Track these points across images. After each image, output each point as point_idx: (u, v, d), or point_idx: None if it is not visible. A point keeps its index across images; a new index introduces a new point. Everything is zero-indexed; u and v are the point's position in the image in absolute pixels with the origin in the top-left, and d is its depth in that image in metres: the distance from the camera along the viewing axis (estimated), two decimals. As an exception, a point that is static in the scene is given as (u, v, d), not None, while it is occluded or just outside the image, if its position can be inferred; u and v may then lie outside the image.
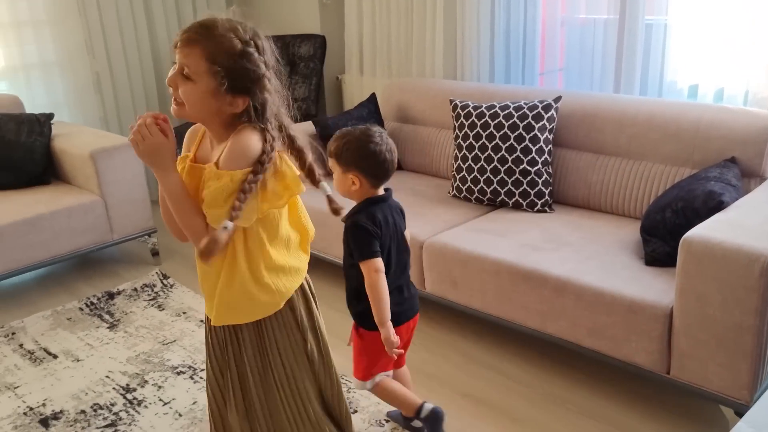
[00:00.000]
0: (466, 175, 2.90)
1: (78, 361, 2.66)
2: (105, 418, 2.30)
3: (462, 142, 2.93)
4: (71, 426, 2.27)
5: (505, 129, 2.79)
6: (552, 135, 2.80)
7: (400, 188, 3.18)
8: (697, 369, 1.98)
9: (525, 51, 3.44)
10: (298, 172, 1.48)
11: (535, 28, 3.37)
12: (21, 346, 2.80)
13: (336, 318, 2.85)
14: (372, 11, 3.91)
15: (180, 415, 2.29)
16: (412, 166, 3.48)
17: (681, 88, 2.96)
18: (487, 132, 2.83)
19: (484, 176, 2.83)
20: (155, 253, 3.59)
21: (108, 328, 2.91)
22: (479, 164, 2.85)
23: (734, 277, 1.82)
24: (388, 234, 1.86)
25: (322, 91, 4.30)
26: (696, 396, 2.10)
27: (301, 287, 1.60)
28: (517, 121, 2.77)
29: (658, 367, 2.06)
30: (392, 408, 2.17)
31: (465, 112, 2.95)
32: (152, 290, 3.24)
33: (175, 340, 2.77)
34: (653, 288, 2.08)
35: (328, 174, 1.77)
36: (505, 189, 2.79)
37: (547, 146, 2.78)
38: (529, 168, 2.75)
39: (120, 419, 2.29)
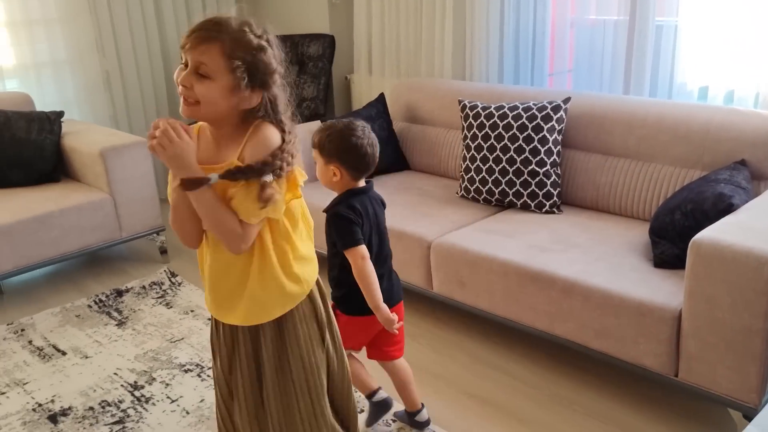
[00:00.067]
0: (474, 175, 2.90)
1: (86, 358, 2.68)
2: (113, 415, 2.31)
3: (470, 143, 2.93)
4: (79, 422, 2.28)
5: (514, 130, 2.78)
6: (561, 136, 2.80)
7: (408, 188, 3.18)
8: (705, 372, 1.97)
9: (534, 52, 3.43)
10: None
11: (545, 29, 3.36)
12: (30, 342, 2.82)
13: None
14: (381, 11, 3.91)
15: (187, 412, 2.30)
16: (420, 167, 3.48)
17: (691, 89, 2.95)
18: (495, 132, 2.83)
19: (493, 177, 2.83)
20: (163, 251, 3.61)
21: (116, 325, 2.92)
22: (487, 165, 2.84)
23: (744, 280, 1.81)
24: (368, 224, 1.91)
25: (330, 91, 4.30)
26: (704, 399, 2.09)
27: (317, 280, 1.62)
28: (526, 122, 2.77)
29: (666, 370, 2.06)
30: (398, 408, 2.18)
31: (474, 112, 2.95)
32: (160, 288, 3.25)
33: (182, 338, 2.78)
34: (662, 290, 2.08)
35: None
36: (514, 190, 2.79)
37: (555, 147, 2.77)
38: (537, 169, 2.75)
39: (128, 416, 2.30)
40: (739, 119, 2.45)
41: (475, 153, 2.90)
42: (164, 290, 3.23)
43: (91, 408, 2.35)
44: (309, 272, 1.56)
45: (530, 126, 2.76)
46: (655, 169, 2.63)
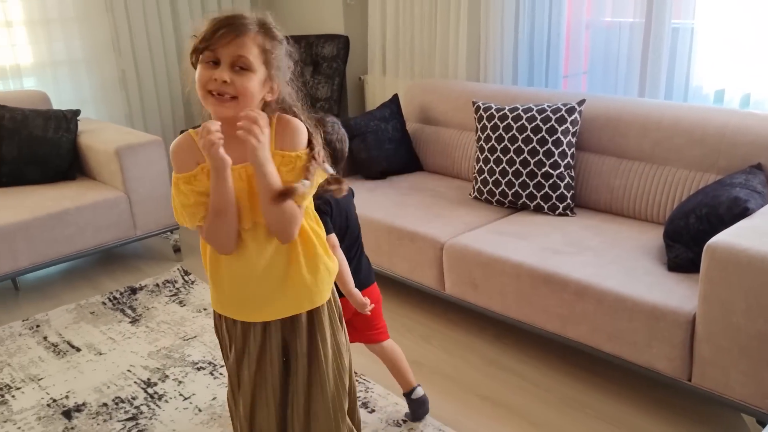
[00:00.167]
0: (487, 177, 2.90)
1: (100, 354, 2.70)
2: (126, 412, 2.33)
3: (484, 144, 2.93)
4: (93, 418, 2.30)
5: (528, 131, 2.78)
6: (575, 138, 2.79)
7: (421, 189, 3.18)
8: (719, 377, 1.96)
9: (549, 53, 3.42)
10: None
11: (560, 31, 3.35)
12: (45, 338, 2.85)
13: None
14: (396, 12, 3.92)
15: (200, 410, 2.32)
16: (434, 168, 3.48)
17: (707, 92, 2.93)
18: (509, 134, 2.83)
19: (506, 179, 2.83)
20: (177, 250, 3.63)
21: (130, 322, 2.95)
22: (501, 166, 2.84)
23: (759, 285, 1.80)
24: (338, 212, 1.95)
25: (344, 92, 4.31)
26: (717, 404, 2.08)
27: None
28: (540, 124, 2.76)
29: (679, 374, 2.05)
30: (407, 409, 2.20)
31: (488, 114, 2.94)
32: (174, 286, 3.28)
33: (195, 336, 2.79)
34: (676, 294, 2.07)
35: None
36: (527, 192, 2.78)
37: (569, 149, 2.76)
38: (551, 171, 2.74)
39: (141, 413, 2.32)
40: (755, 123, 2.44)
41: (488, 154, 2.90)
42: (177, 288, 3.25)
43: (105, 404, 2.37)
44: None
45: (544, 128, 2.75)
46: (669, 173, 2.62)
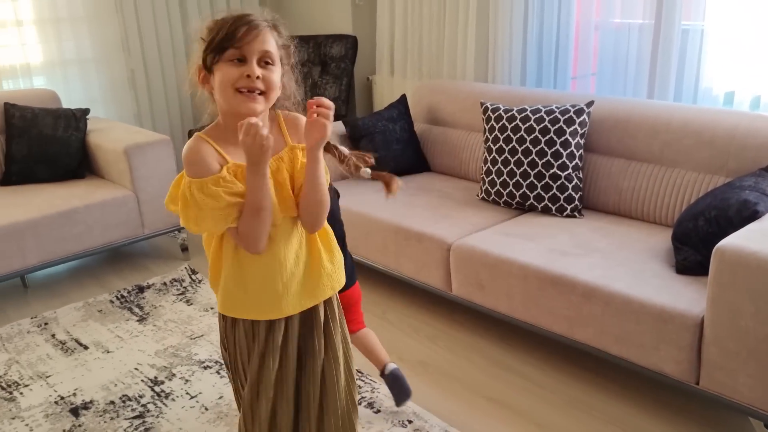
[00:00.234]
0: (495, 178, 2.89)
1: (108, 352, 2.71)
2: (133, 410, 2.34)
3: (492, 145, 2.92)
4: (101, 416, 2.31)
5: (536, 133, 2.77)
6: (583, 140, 2.78)
7: (429, 190, 3.18)
8: (727, 380, 1.95)
9: (558, 54, 3.42)
10: None
11: (569, 32, 3.34)
12: (53, 336, 2.86)
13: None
14: (404, 12, 3.92)
15: (206, 408, 2.32)
16: (441, 168, 3.48)
17: (716, 94, 2.91)
18: (517, 135, 2.82)
19: (514, 180, 2.82)
20: (184, 249, 3.64)
21: (137, 321, 2.96)
22: (509, 167, 2.83)
23: (768, 288, 1.79)
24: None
25: (352, 92, 4.32)
26: (725, 407, 2.07)
27: None
28: (549, 125, 2.76)
29: (686, 377, 2.04)
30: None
31: (496, 115, 2.94)
32: (181, 285, 3.29)
33: (202, 335, 2.80)
34: (684, 297, 2.06)
35: None
36: (535, 193, 2.78)
37: (578, 151, 2.76)
38: (559, 172, 2.73)
39: (148, 411, 2.33)
40: (765, 125, 2.42)
41: (496, 155, 2.89)
42: (185, 287, 3.26)
43: (112, 402, 2.38)
44: None
45: (552, 129, 2.75)
46: (678, 175, 2.61)
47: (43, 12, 3.84)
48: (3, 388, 2.49)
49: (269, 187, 1.39)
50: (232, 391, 1.72)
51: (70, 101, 3.90)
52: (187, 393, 2.42)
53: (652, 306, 2.05)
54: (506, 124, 2.87)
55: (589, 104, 2.79)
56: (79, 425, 2.26)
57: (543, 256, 2.39)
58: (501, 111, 2.93)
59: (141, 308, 3.08)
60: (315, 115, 1.37)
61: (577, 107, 2.76)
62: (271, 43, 1.39)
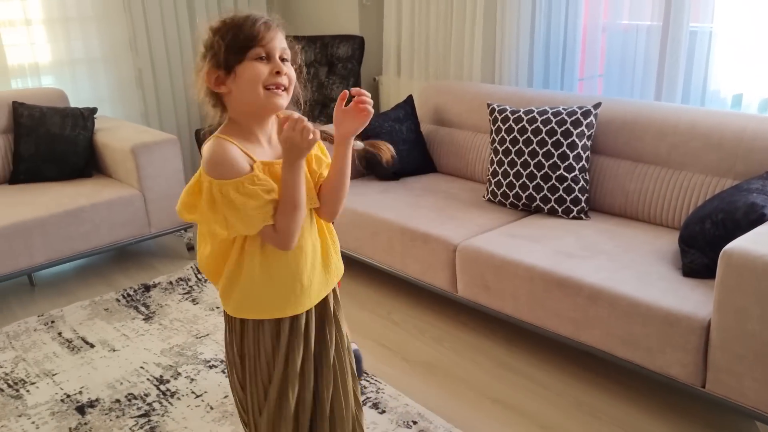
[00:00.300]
0: (501, 179, 2.89)
1: (114, 351, 2.72)
2: (139, 408, 2.34)
3: (498, 146, 2.92)
4: (106, 414, 2.32)
5: (543, 134, 2.77)
6: (590, 141, 2.77)
7: (435, 191, 3.18)
8: (733, 383, 1.94)
9: (565, 56, 3.41)
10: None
11: (576, 34, 3.34)
12: (60, 334, 2.87)
13: (365, 318, 2.87)
14: (411, 13, 3.92)
15: (211, 407, 2.33)
16: (447, 169, 3.47)
17: (724, 97, 2.91)
18: (524, 137, 2.82)
19: (520, 181, 2.82)
20: (191, 248, 3.65)
21: (143, 319, 2.97)
22: (515, 169, 2.83)
23: (775, 292, 1.79)
24: None
25: (359, 92, 4.31)
26: (731, 411, 2.06)
27: None
28: (555, 127, 2.75)
29: (692, 380, 2.03)
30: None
31: (502, 116, 2.94)
32: (187, 284, 3.29)
33: (208, 334, 2.81)
34: (690, 300, 2.05)
35: None
36: (541, 195, 2.78)
37: (584, 153, 2.75)
38: (565, 174, 2.73)
39: (153, 410, 2.33)
40: (773, 128, 2.41)
41: (502, 157, 2.89)
42: (190, 286, 3.27)
43: (118, 400, 2.39)
44: None
45: (559, 131, 2.74)
46: (685, 177, 2.60)
47: (52, 11, 3.86)
48: (10, 386, 2.51)
49: (304, 182, 1.40)
50: (237, 401, 1.64)
51: (78, 100, 3.92)
52: (193, 392, 2.42)
53: (659, 309, 2.05)
54: (513, 125, 2.87)
55: (597, 106, 2.78)
56: (85, 423, 2.27)
57: (549, 258, 2.38)
58: (508, 112, 2.92)
59: (147, 307, 3.09)
60: (359, 105, 1.40)
61: (584, 109, 2.75)
62: (285, 40, 1.42)
